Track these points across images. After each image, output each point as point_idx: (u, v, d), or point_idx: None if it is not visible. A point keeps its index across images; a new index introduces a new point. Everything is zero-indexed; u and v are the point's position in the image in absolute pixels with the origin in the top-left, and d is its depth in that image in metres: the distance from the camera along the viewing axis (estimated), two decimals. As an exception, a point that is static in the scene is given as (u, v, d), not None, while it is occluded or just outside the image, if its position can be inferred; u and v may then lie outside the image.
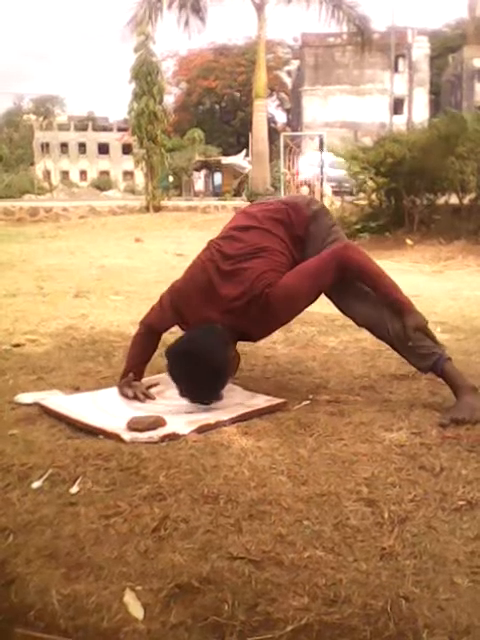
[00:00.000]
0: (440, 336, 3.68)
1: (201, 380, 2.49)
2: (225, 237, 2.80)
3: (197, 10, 22.23)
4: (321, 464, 2.08)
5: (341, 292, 2.71)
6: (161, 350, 2.80)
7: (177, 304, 2.72)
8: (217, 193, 30.24)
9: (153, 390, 2.76)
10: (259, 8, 22.27)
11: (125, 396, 2.69)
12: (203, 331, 2.57)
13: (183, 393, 2.55)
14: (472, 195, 10.30)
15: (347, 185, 15.16)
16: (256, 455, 2.14)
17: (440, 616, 1.35)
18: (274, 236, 2.72)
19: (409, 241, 9.86)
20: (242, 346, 3.60)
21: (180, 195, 30.06)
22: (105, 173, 57.06)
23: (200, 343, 2.52)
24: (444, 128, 10.11)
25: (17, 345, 3.65)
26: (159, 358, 2.82)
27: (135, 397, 2.67)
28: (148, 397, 2.69)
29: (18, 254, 8.80)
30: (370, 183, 10.87)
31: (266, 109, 24.65)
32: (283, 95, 48.10)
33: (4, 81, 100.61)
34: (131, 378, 2.74)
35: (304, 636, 1.31)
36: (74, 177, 57.59)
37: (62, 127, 61.03)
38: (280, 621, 1.34)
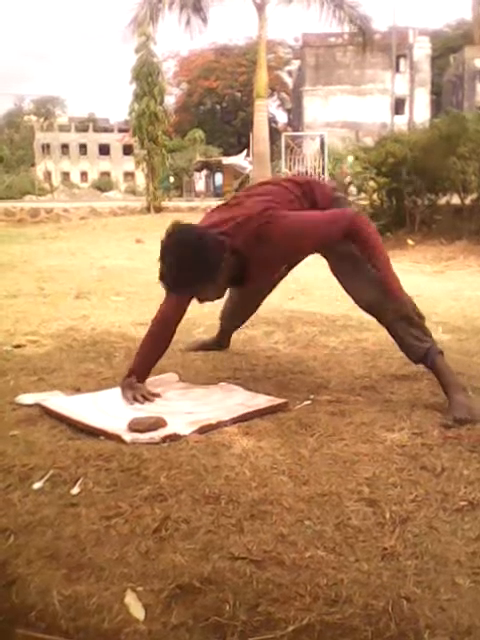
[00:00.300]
0: (441, 336, 3.69)
1: (180, 264, 2.45)
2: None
3: (198, 10, 22.21)
4: (322, 464, 2.08)
5: (348, 272, 2.75)
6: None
7: None
8: (218, 194, 30.23)
9: (155, 391, 2.76)
10: (260, 8, 22.22)
11: (126, 398, 2.68)
12: (205, 229, 2.58)
13: (161, 276, 2.52)
14: (474, 195, 10.30)
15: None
16: (257, 455, 2.14)
17: (441, 616, 1.35)
18: (290, 193, 2.74)
19: (410, 241, 9.87)
20: (243, 346, 3.61)
21: (181, 196, 30.09)
22: (106, 174, 57.03)
23: (195, 231, 2.52)
24: (445, 128, 10.13)
25: (18, 346, 3.64)
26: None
27: (135, 399, 2.66)
28: (148, 400, 2.68)
29: (19, 255, 8.80)
30: (371, 183, 10.87)
31: (267, 109, 24.63)
32: (284, 95, 48.09)
33: (5, 82, 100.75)
34: (133, 380, 2.73)
35: (305, 636, 1.30)
36: (75, 178, 57.60)
37: (63, 128, 61.03)
38: (281, 621, 1.34)
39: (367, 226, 2.62)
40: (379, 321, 2.77)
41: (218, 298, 2.78)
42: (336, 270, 2.84)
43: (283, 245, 2.58)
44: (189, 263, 2.43)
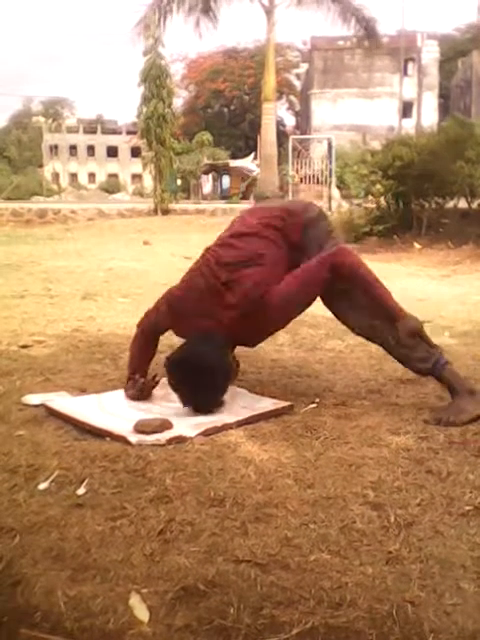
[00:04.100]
0: (448, 341, 3.69)
1: (201, 388, 2.51)
2: (221, 245, 2.81)
3: (207, 12, 22.22)
4: (327, 467, 2.08)
5: (337, 301, 2.75)
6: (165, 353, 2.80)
7: (174, 310, 2.74)
8: (225, 196, 30.24)
9: (159, 392, 2.76)
10: (268, 11, 22.24)
11: (131, 398, 2.70)
12: (201, 339, 2.59)
13: (185, 402, 2.57)
14: (481, 199, 10.29)
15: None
16: (262, 458, 2.14)
17: (446, 621, 1.35)
18: (270, 242, 2.74)
19: (417, 245, 9.85)
20: (248, 350, 3.60)
21: (188, 198, 30.08)
22: (113, 176, 57.14)
23: (199, 351, 2.54)
24: (453, 132, 10.11)
25: (24, 346, 3.65)
26: (161, 356, 2.82)
27: (141, 396, 2.68)
28: (151, 393, 2.73)
29: (26, 256, 8.82)
30: (378, 186, 10.86)
31: (275, 112, 24.61)
32: (292, 98, 48.04)
33: (13, 83, 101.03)
34: (137, 379, 2.74)
35: (309, 639, 1.30)
36: (82, 179, 57.74)
37: (71, 129, 61.18)
38: (286, 624, 1.33)
39: (349, 259, 2.62)
40: (379, 345, 2.76)
41: None
42: (327, 300, 2.79)
43: (279, 319, 2.73)
44: (203, 387, 2.52)
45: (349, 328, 2.80)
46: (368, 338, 2.77)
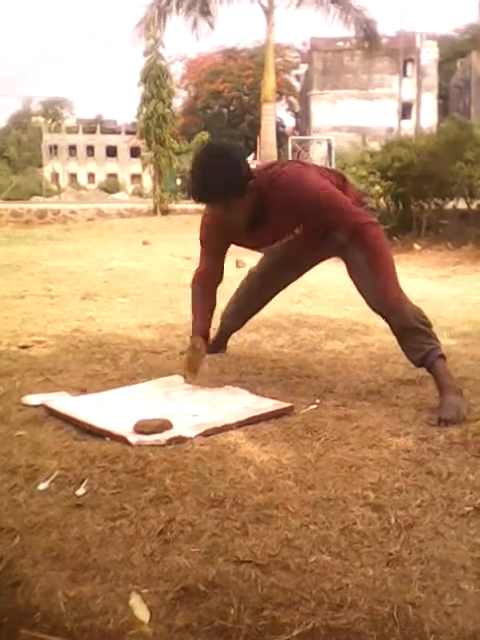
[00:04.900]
0: (447, 341, 3.68)
1: (216, 168, 2.52)
2: None
3: (206, 12, 22.22)
4: (328, 469, 2.08)
5: (358, 275, 2.79)
6: (170, 352, 2.80)
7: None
8: (225, 196, 30.18)
9: (161, 392, 2.76)
10: (268, 12, 22.25)
11: (186, 363, 2.90)
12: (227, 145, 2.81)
13: (193, 187, 2.60)
14: (480, 200, 10.30)
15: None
16: (262, 459, 2.14)
17: (447, 622, 1.34)
18: (322, 175, 2.81)
19: (417, 246, 9.86)
20: (249, 350, 3.61)
21: (188, 198, 29.99)
22: (113, 176, 57.14)
23: (226, 144, 2.83)
24: (452, 133, 10.13)
25: (24, 347, 3.65)
26: (164, 359, 2.83)
27: (191, 364, 2.86)
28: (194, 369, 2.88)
29: (26, 256, 8.81)
30: (377, 188, 10.87)
31: (274, 113, 24.63)
32: (292, 99, 48.04)
33: (13, 83, 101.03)
34: (199, 341, 2.88)
35: (310, 641, 1.30)
36: (82, 180, 57.75)
37: (70, 130, 61.20)
38: (286, 625, 1.33)
39: (379, 235, 2.66)
40: (389, 324, 2.79)
41: (250, 247, 3.02)
42: (351, 272, 2.86)
43: (302, 200, 2.63)
44: (218, 170, 2.52)
45: (368, 304, 2.83)
46: (380, 314, 2.79)
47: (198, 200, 2.66)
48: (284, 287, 3.27)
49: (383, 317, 2.79)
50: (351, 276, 2.88)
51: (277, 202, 2.66)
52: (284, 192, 2.63)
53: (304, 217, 2.73)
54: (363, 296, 2.83)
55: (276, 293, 3.29)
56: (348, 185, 2.91)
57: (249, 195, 2.60)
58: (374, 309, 2.81)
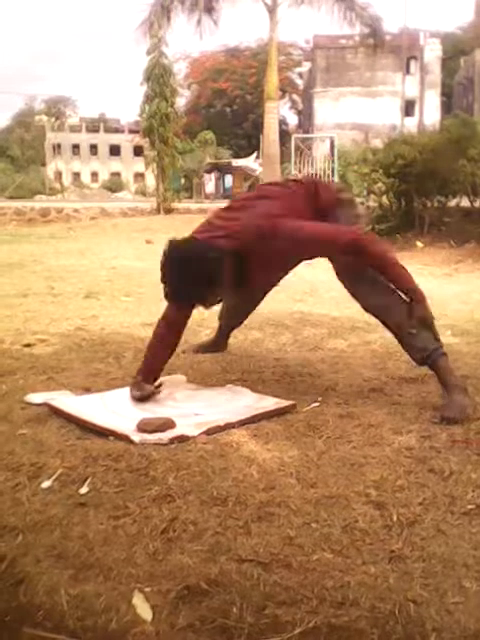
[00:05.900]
0: (450, 339, 3.68)
1: (186, 277, 2.48)
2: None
3: (209, 11, 22.19)
4: (330, 467, 2.08)
5: (351, 278, 2.78)
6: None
7: None
8: (228, 195, 30.18)
9: (163, 392, 2.76)
10: (271, 10, 22.20)
11: (132, 398, 2.69)
12: (202, 243, 2.58)
13: (166, 292, 2.58)
14: (483, 198, 10.27)
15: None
16: (265, 457, 2.15)
17: (448, 620, 1.35)
18: (295, 195, 2.79)
19: (419, 243, 9.84)
20: (251, 348, 3.61)
21: (191, 197, 30.10)
22: (116, 175, 57.09)
23: (194, 244, 2.56)
24: (455, 131, 10.10)
25: (27, 345, 3.66)
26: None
27: (140, 401, 2.67)
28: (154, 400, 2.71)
29: (29, 254, 8.82)
30: (380, 185, 10.85)
31: (277, 111, 24.55)
32: (295, 97, 47.96)
33: (16, 82, 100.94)
34: (139, 381, 2.73)
35: (312, 639, 1.30)
36: (85, 178, 57.69)
37: (74, 128, 61.13)
38: (288, 624, 1.34)
39: (372, 243, 2.64)
40: (384, 325, 2.79)
41: (221, 302, 2.88)
42: (341, 274, 2.86)
43: (283, 250, 2.63)
44: (188, 278, 2.47)
45: (358, 302, 2.82)
46: (375, 315, 2.79)
47: (173, 303, 2.71)
48: (275, 285, 3.27)
49: (379, 317, 2.78)
50: (340, 278, 2.87)
51: (261, 261, 2.65)
52: (263, 246, 2.60)
53: (291, 265, 2.90)
54: (355, 297, 2.82)
55: (268, 291, 3.29)
56: (321, 187, 2.87)
57: (223, 273, 2.53)
58: (369, 310, 2.80)
